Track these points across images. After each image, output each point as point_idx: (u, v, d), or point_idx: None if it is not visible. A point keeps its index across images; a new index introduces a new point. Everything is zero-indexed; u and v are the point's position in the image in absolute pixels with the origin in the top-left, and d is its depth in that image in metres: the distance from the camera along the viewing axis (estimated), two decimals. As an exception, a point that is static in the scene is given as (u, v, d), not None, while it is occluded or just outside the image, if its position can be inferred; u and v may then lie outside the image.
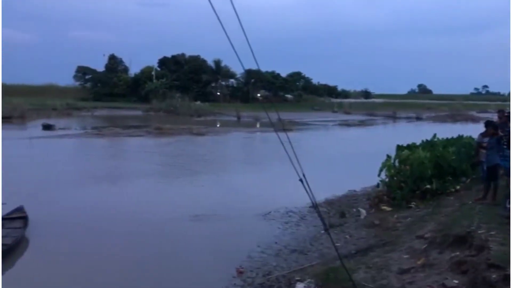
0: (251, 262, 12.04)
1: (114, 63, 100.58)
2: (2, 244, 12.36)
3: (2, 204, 14.99)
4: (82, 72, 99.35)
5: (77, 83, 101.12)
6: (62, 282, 10.90)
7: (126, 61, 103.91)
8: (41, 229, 14.33)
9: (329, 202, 17.78)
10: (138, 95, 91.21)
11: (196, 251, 13.04)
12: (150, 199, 19.13)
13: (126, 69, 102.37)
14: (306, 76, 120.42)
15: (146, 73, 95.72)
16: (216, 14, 5.96)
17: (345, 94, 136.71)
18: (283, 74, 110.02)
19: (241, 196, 19.37)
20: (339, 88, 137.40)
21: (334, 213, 16.33)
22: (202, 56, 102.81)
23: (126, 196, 19.68)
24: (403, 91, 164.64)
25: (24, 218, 14.60)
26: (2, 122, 56.22)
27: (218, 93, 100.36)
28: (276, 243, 13.50)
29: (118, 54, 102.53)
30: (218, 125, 62.51)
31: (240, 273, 11.30)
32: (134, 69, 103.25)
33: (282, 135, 6.48)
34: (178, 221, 15.74)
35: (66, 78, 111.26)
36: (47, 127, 50.63)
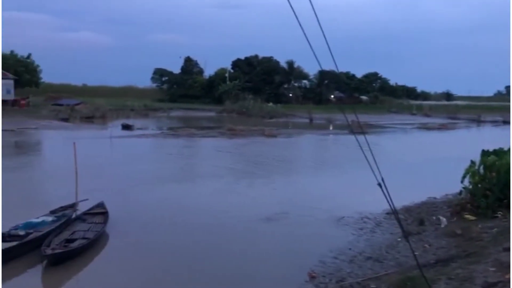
0: (323, 267, 11.75)
1: (189, 65, 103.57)
2: (85, 238, 13.02)
3: (85, 199, 15.78)
4: (159, 74, 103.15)
5: (154, 85, 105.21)
6: (139, 277, 11.19)
7: (201, 63, 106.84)
8: (120, 225, 14.86)
9: (407, 209, 17.03)
10: (212, 96, 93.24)
11: (267, 253, 12.94)
12: (223, 199, 19.31)
13: (201, 71, 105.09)
14: (383, 76, 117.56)
15: (220, 75, 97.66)
16: (295, 13, 5.79)
17: (424, 95, 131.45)
18: (359, 74, 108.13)
19: (314, 199, 19.06)
20: (419, 90, 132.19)
21: (412, 220, 15.60)
22: (275, 57, 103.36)
23: (200, 195, 20.01)
24: (489, 93, 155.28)
25: (105, 214, 15.24)
26: (86, 122, 59.68)
27: (291, 95, 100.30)
28: (350, 249, 13.10)
29: (193, 56, 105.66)
30: (290, 127, 62.37)
31: (312, 277, 11.05)
32: (208, 71, 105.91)
33: (359, 137, 6.16)
34: (249, 222, 15.74)
35: (144, 80, 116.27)
36: (126, 127, 52.97)
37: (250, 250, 13.15)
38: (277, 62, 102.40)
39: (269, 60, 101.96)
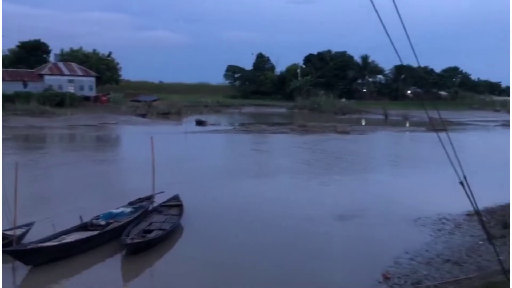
0: (398, 268, 11.36)
1: (261, 61, 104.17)
2: (162, 229, 13.45)
3: (161, 192, 16.29)
4: (232, 71, 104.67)
5: (227, 82, 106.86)
6: (211, 270, 11.38)
7: (273, 60, 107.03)
8: (194, 218, 15.21)
9: (490, 211, 16.05)
10: (283, 92, 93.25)
11: (339, 252, 12.72)
12: (295, 196, 19.24)
13: (272, 67, 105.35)
14: (464, 71, 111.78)
15: (291, 71, 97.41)
16: (375, 8, 5.59)
17: (510, 91, 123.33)
18: (438, 69, 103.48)
19: (389, 198, 18.50)
20: (503, 85, 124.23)
21: (495, 223, 14.69)
22: (348, 52, 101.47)
23: (272, 192, 20.05)
24: None
25: (180, 206, 15.68)
26: (162, 117, 61.81)
27: (364, 90, 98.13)
28: (427, 250, 12.57)
29: (265, 53, 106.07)
30: (363, 123, 61.04)
31: (386, 278, 10.72)
32: (280, 67, 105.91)
33: (438, 135, 5.82)
34: (321, 219, 15.56)
35: (217, 77, 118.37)
36: (199, 122, 54.30)
37: (322, 248, 12.98)
38: (351, 57, 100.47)
39: (342, 55, 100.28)
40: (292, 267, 11.63)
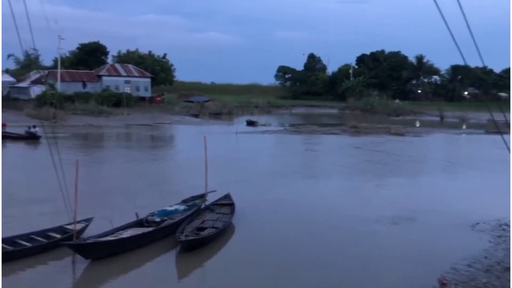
0: (455, 274, 10.99)
1: (312, 62, 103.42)
2: (214, 227, 13.64)
3: (213, 191, 16.50)
4: (283, 71, 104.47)
5: (278, 82, 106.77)
6: (261, 269, 11.42)
7: (324, 60, 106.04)
8: (245, 217, 15.33)
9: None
10: (335, 93, 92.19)
11: (393, 256, 12.43)
12: (347, 198, 19.03)
13: (324, 68, 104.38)
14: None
15: (343, 71, 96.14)
16: (438, 6, 5.44)
17: None
18: (497, 69, 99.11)
19: (445, 202, 17.90)
20: None
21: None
22: (402, 52, 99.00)
23: (324, 193, 19.91)
24: None
25: (231, 205, 15.84)
26: (214, 118, 62.67)
27: (419, 91, 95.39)
28: (486, 257, 12.08)
29: (316, 53, 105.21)
30: (417, 125, 59.42)
31: (442, 284, 10.39)
32: (331, 68, 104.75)
33: (503, 137, 5.57)
34: (375, 221, 15.29)
35: (268, 78, 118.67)
36: (250, 123, 54.64)
37: (375, 252, 12.74)
38: (405, 57, 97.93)
39: (396, 55, 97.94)
40: (345, 267, 11.52)
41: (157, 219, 13.82)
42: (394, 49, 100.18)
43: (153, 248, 12.61)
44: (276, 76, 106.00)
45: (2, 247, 11.58)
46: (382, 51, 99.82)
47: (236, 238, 13.83)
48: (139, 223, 13.58)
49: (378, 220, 15.47)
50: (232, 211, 15.34)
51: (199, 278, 11.53)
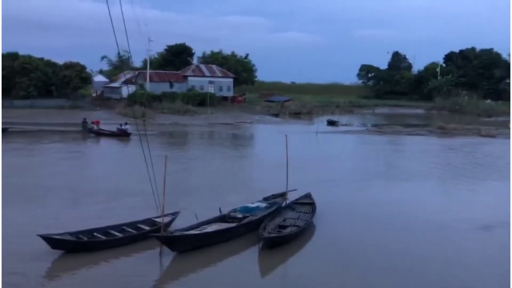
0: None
1: (397, 60, 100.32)
2: (296, 226, 13.68)
3: (293, 190, 16.55)
4: (365, 70, 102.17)
5: (360, 82, 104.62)
6: (342, 267, 11.29)
7: (410, 58, 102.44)
8: (325, 218, 15.21)
9: None
10: (420, 92, 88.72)
11: (483, 264, 11.78)
12: (434, 201, 18.26)
13: (409, 66, 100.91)
14: None
15: (430, 70, 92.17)
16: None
17: None
18: None
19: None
20: None
21: None
22: (495, 50, 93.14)
23: (409, 195, 19.25)
24: None
25: (312, 205, 15.80)
26: (294, 117, 62.73)
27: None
28: None
29: (401, 51, 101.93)
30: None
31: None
32: (417, 66, 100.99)
33: None
34: (463, 227, 14.57)
35: (350, 77, 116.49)
36: (331, 123, 54.04)
37: (463, 259, 12.15)
38: (498, 55, 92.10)
39: (488, 53, 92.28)
40: (427, 272, 11.08)
41: (239, 215, 14.12)
42: (486, 46, 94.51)
43: (235, 243, 12.90)
44: (359, 75, 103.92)
45: (97, 237, 12.45)
46: (473, 49, 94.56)
47: (317, 238, 13.78)
48: (222, 219, 13.96)
49: (467, 225, 14.74)
50: (313, 210, 15.31)
51: (281, 275, 11.64)
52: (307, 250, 12.85)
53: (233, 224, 13.50)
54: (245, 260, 12.09)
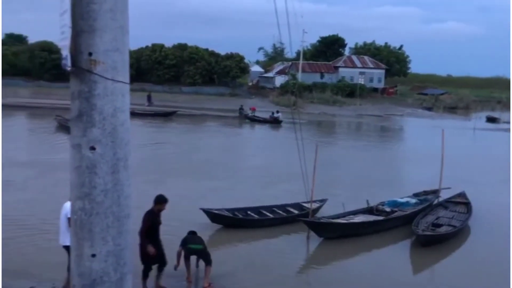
0: None
1: None
2: (451, 225, 13.12)
3: (447, 188, 15.77)
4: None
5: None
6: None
7: None
8: (482, 221, 14.24)
9: None
10: None
11: None
12: None
13: None
14: None
15: None
16: None
17: None
18: None
19: None
20: None
21: None
22: None
23: None
24: None
25: (467, 205, 14.95)
26: (449, 112, 58.99)
27: None
28: None
29: None
30: None
31: None
32: None
33: None
34: None
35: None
36: (491, 119, 49.93)
37: None
38: None
39: None
40: None
41: (387, 209, 13.99)
42: None
43: (381, 236, 12.83)
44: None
45: (250, 215, 13.40)
46: None
47: (472, 242, 12.98)
48: (369, 211, 13.95)
49: None
50: (469, 211, 14.45)
51: (433, 276, 11.33)
52: (461, 254, 12.23)
53: (381, 217, 13.45)
54: (393, 254, 12.00)
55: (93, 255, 2.77)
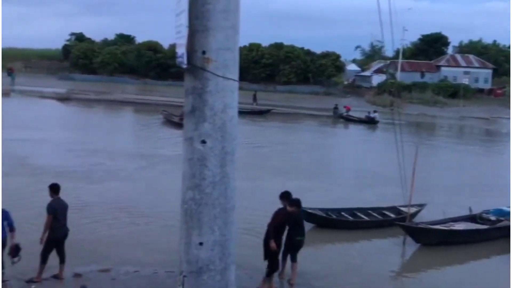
0: None
1: None
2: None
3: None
4: None
5: None
6: None
7: None
8: None
9: None
10: None
11: None
12: None
13: None
14: None
15: None
16: None
17: None
18: None
19: None
20: None
21: None
22: None
23: None
24: None
25: None
26: None
27: None
28: None
29: None
30: None
31: None
32: None
33: None
34: None
35: None
36: None
37: None
38: None
39: None
40: None
41: (492, 218, 13.12)
42: None
43: (485, 246, 12.07)
44: None
45: (344, 216, 13.21)
46: None
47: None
48: (471, 218, 13.20)
49: None
50: None
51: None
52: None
53: (485, 226, 12.65)
54: (496, 267, 11.23)
55: (201, 243, 2.91)
